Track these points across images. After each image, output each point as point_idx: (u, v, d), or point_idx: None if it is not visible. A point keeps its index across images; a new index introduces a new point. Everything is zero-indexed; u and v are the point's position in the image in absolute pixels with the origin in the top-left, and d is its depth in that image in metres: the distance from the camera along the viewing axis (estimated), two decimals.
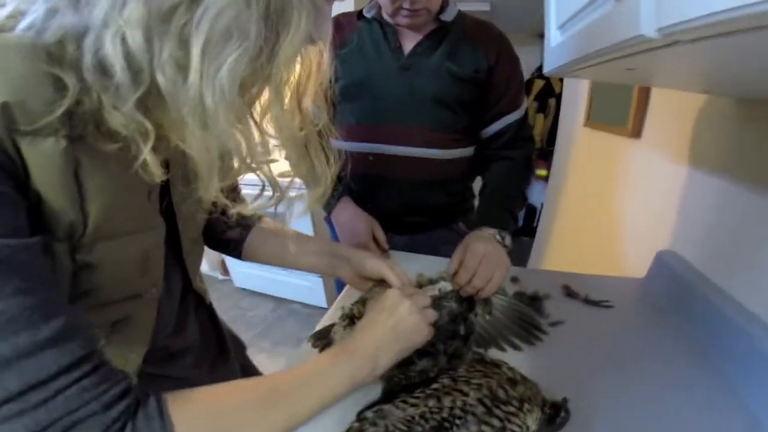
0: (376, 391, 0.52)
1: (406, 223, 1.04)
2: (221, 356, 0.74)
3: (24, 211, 0.32)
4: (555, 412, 0.43)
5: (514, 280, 0.84)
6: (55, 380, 0.30)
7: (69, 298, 0.37)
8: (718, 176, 0.73)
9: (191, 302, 0.64)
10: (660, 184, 0.96)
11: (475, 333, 0.60)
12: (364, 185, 1.01)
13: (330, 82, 0.51)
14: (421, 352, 0.53)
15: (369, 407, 0.46)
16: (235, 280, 2.73)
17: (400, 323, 0.51)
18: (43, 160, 0.32)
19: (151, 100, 0.34)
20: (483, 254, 0.71)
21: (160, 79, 0.32)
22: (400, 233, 1.05)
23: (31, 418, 0.29)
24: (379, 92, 0.91)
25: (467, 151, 1.00)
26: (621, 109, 1.17)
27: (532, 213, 3.41)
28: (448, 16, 0.90)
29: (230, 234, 0.72)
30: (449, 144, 0.96)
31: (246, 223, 0.73)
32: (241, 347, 0.90)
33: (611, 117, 1.28)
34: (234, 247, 0.72)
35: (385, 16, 0.90)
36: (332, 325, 0.62)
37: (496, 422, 0.36)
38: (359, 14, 0.95)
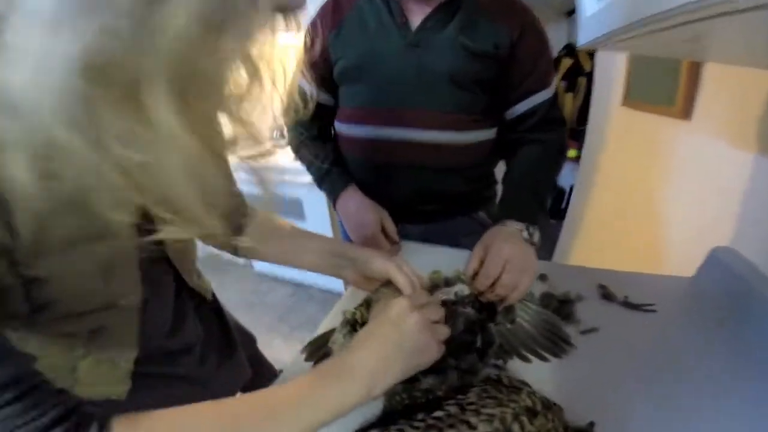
0: (375, 405, 0.46)
1: (420, 212, 0.95)
2: (228, 351, 0.71)
3: None
4: None
5: (543, 278, 0.74)
6: None
7: (29, 312, 0.35)
8: None
9: (188, 301, 0.61)
10: (713, 172, 0.85)
11: (495, 345, 0.52)
12: (371, 173, 0.92)
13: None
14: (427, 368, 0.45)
15: (364, 430, 0.40)
16: (255, 265, 2.74)
17: (405, 340, 0.43)
18: None
19: None
20: (507, 257, 0.61)
21: None
22: (414, 222, 0.96)
23: None
24: (385, 73, 0.81)
25: (488, 134, 0.89)
26: (667, 87, 1.05)
27: (560, 195, 3.24)
28: None
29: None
30: (467, 126, 0.85)
31: (244, 217, 0.66)
32: (250, 340, 0.87)
33: (655, 95, 1.16)
34: (229, 243, 0.66)
35: None
36: (331, 332, 0.55)
37: None
38: None
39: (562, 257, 2.00)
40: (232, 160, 0.40)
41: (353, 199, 0.89)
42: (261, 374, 0.88)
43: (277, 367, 0.96)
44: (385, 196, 0.89)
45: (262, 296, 2.48)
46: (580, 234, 1.83)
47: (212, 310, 0.70)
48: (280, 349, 1.99)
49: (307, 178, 2.34)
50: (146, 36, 0.24)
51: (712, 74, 0.89)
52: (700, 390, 0.49)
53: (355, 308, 0.55)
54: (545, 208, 0.79)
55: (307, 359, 0.54)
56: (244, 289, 2.51)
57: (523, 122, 0.85)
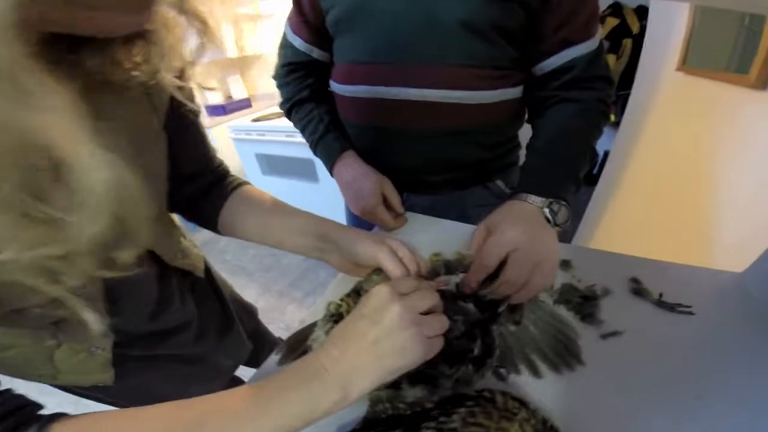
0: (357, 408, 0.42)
1: (428, 182, 0.84)
2: (226, 327, 0.71)
3: None
4: None
5: (566, 265, 0.66)
6: None
7: None
8: None
9: (175, 281, 0.59)
10: None
11: (495, 355, 0.45)
12: (371, 139, 0.82)
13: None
14: (414, 376, 0.40)
15: None
16: None
17: (383, 338, 0.36)
18: None
19: None
20: (515, 244, 0.50)
21: None
22: (420, 193, 0.86)
23: None
24: (384, 21, 0.67)
25: (513, 92, 0.74)
26: (738, 52, 0.93)
27: (594, 160, 3.04)
28: None
29: (203, 203, 0.61)
30: (486, 83, 0.70)
31: (222, 191, 0.62)
32: (250, 314, 0.87)
33: (719, 61, 1.03)
34: (208, 219, 0.62)
35: None
36: (312, 327, 0.50)
37: None
38: None
39: (588, 234, 1.88)
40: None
41: (351, 166, 0.79)
42: (263, 347, 0.88)
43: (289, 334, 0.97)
44: (388, 165, 0.79)
45: (279, 259, 2.53)
46: (612, 209, 1.69)
47: (207, 286, 0.69)
48: (293, 315, 2.04)
49: None
50: None
51: None
52: (738, 411, 0.42)
53: (341, 299, 0.49)
54: (577, 181, 0.65)
55: (280, 362, 0.47)
56: (261, 252, 2.58)
57: (557, 79, 0.70)
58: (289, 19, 0.82)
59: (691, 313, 0.57)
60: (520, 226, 0.53)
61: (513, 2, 0.63)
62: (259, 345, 0.84)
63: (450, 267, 0.57)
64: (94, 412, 0.34)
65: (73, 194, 0.26)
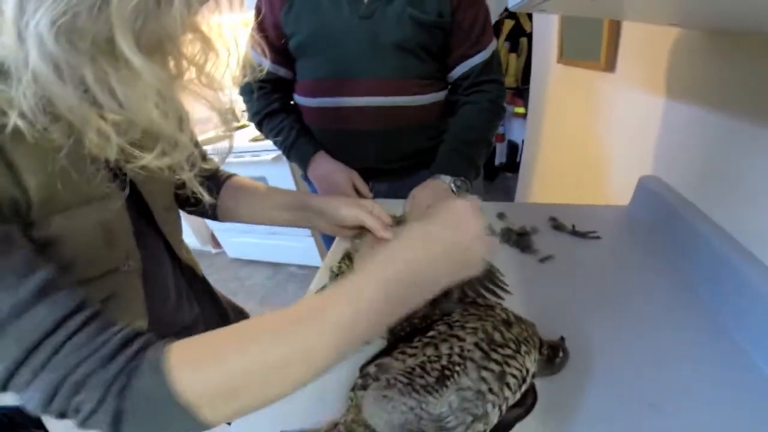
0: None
1: (386, 170, 1.01)
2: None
3: None
4: (553, 353, 0.44)
5: (501, 216, 0.83)
6: (50, 337, 0.29)
7: None
8: (692, 104, 0.74)
9: (181, 275, 0.64)
10: (637, 115, 0.97)
11: None
12: (334, 140, 0.97)
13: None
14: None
15: (371, 361, 0.47)
16: (228, 252, 2.73)
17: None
18: None
19: None
20: (429, 203, 0.69)
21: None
22: (381, 181, 1.03)
23: (43, 380, 0.29)
24: (339, 45, 0.85)
25: (439, 96, 0.96)
26: (593, 45, 1.16)
27: (515, 149, 3.42)
28: None
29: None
30: (419, 90, 0.91)
31: (216, 182, 0.70)
32: (244, 316, 0.91)
33: (584, 52, 1.27)
34: (207, 210, 0.70)
35: None
36: (323, 289, 0.60)
37: (494, 366, 0.36)
38: None
39: (520, 199, 2.17)
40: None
41: (323, 164, 0.93)
42: None
43: None
44: (352, 160, 0.94)
45: (242, 281, 2.50)
46: (533, 180, 1.97)
47: (203, 287, 0.72)
48: None
49: (269, 155, 2.31)
50: (103, 3, 0.29)
51: (630, 32, 1.01)
52: (641, 304, 0.59)
53: (339, 262, 0.60)
54: (475, 163, 0.88)
55: None
56: (223, 277, 2.53)
57: (460, 85, 0.94)
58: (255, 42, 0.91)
59: (598, 237, 0.75)
60: (434, 192, 0.75)
61: (434, 27, 0.85)
62: None
63: (399, 220, 0.71)
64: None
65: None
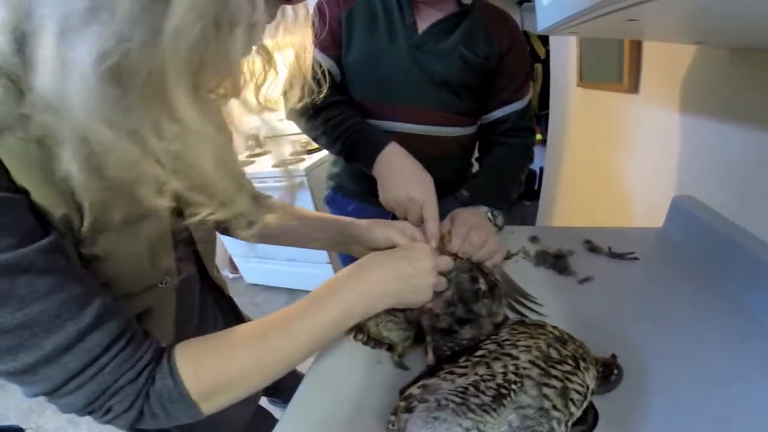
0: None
1: None
2: None
3: (28, 212, 0.32)
4: (607, 371, 0.42)
5: (534, 239, 0.82)
6: (101, 357, 0.34)
7: None
8: (720, 122, 0.73)
9: (209, 294, 0.64)
10: (663, 135, 0.96)
11: (498, 286, 0.58)
12: None
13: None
14: (462, 320, 0.51)
15: (412, 383, 0.45)
16: (245, 277, 2.74)
17: (414, 278, 0.51)
18: (13, 155, 0.31)
19: None
20: (472, 223, 0.68)
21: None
22: None
23: (88, 389, 0.34)
24: (388, 70, 0.86)
25: (469, 130, 0.98)
26: (614, 66, 1.16)
27: (532, 177, 3.41)
28: None
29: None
30: (454, 122, 0.93)
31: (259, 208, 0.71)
32: None
33: (605, 75, 1.27)
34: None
35: None
36: None
37: (556, 383, 0.35)
38: None
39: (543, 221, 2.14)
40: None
41: (401, 152, 0.80)
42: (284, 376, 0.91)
43: None
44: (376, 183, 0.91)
45: (261, 307, 2.48)
46: (556, 206, 1.95)
47: (232, 308, 0.73)
48: None
49: (294, 180, 2.30)
50: (153, 37, 0.26)
51: (651, 52, 1.01)
52: (688, 321, 0.57)
53: None
54: (509, 201, 0.87)
55: (346, 334, 0.58)
56: (241, 302, 2.50)
57: (497, 128, 0.95)
58: (318, 40, 0.86)
59: (636, 258, 0.73)
60: (476, 216, 0.73)
61: (480, 70, 0.87)
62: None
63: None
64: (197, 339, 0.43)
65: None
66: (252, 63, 0.44)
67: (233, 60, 0.33)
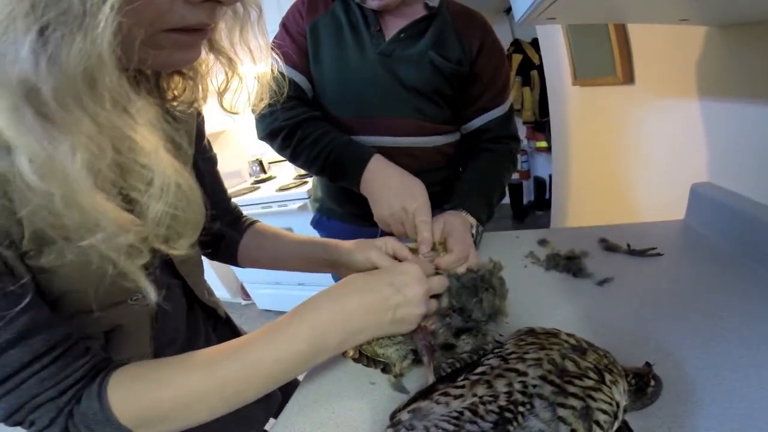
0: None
1: None
2: None
3: None
4: (642, 382, 0.34)
5: (543, 242, 0.75)
6: (21, 372, 0.33)
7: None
8: (722, 100, 0.68)
9: (201, 317, 0.61)
10: (668, 122, 0.90)
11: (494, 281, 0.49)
12: None
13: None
14: (461, 330, 0.44)
15: (404, 407, 0.38)
16: (257, 303, 2.76)
17: (401, 308, 0.44)
18: None
19: None
20: (470, 243, 0.64)
21: None
22: None
23: (7, 402, 0.34)
24: (358, 80, 0.82)
25: (451, 137, 0.92)
26: (606, 60, 1.12)
27: (542, 186, 3.33)
28: (433, 1, 0.81)
29: (224, 241, 0.68)
30: (432, 132, 0.87)
31: (239, 228, 0.69)
32: None
33: (598, 70, 1.23)
34: (229, 254, 0.68)
35: None
36: None
37: (575, 402, 0.27)
38: None
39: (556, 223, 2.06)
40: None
41: (386, 164, 0.76)
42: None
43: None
44: (363, 198, 0.83)
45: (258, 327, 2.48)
46: (568, 215, 1.87)
47: (229, 329, 0.70)
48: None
49: (295, 204, 2.33)
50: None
51: (639, 40, 0.97)
52: (726, 316, 0.49)
53: None
54: (492, 209, 0.82)
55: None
56: (254, 328, 2.48)
57: (478, 136, 0.90)
58: (286, 56, 0.82)
59: (659, 254, 0.65)
60: (468, 234, 0.68)
61: (452, 75, 0.82)
62: (289, 394, 0.80)
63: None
64: (139, 363, 0.40)
65: (147, 188, 0.31)
66: (206, 66, 0.42)
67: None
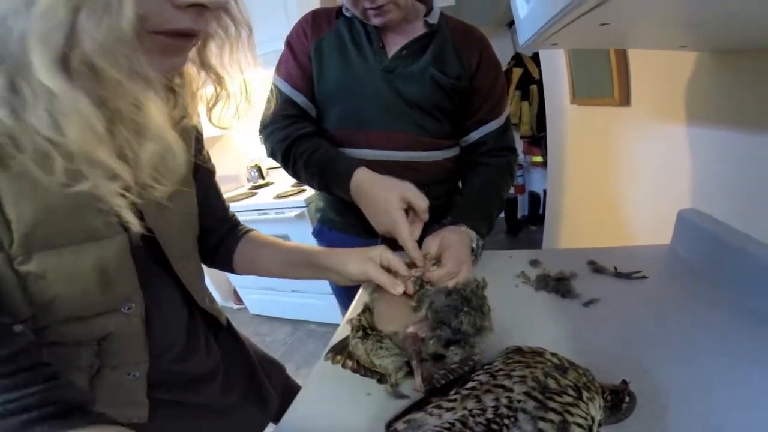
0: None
1: None
2: (252, 378, 0.71)
3: None
4: (617, 398, 0.38)
5: (534, 263, 0.78)
6: None
7: (32, 314, 0.38)
8: (715, 128, 0.71)
9: (201, 324, 0.62)
10: (659, 146, 0.93)
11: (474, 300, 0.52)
12: None
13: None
14: (450, 341, 0.47)
15: (398, 417, 0.41)
16: (249, 308, 2.75)
17: None
18: None
19: None
20: (464, 259, 0.68)
21: None
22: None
23: None
24: (362, 96, 0.86)
25: (450, 152, 0.95)
26: (604, 81, 1.16)
27: (536, 201, 3.37)
28: (433, 18, 0.86)
29: (221, 249, 0.70)
30: (432, 146, 0.91)
31: (234, 236, 0.71)
32: (278, 368, 0.86)
33: (596, 90, 1.27)
34: (225, 262, 0.70)
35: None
36: (346, 339, 0.56)
37: (553, 416, 0.30)
38: (338, 11, 0.89)
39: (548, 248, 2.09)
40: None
41: (366, 180, 0.76)
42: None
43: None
44: (362, 213, 0.86)
45: (263, 338, 2.47)
46: (561, 228, 1.91)
47: (230, 337, 0.71)
48: None
49: (292, 212, 2.34)
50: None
51: (638, 63, 1.01)
52: (703, 340, 0.52)
53: (359, 315, 0.56)
54: (492, 222, 0.85)
55: (333, 362, 0.54)
56: (245, 333, 2.47)
57: (477, 149, 0.93)
58: (289, 76, 0.88)
59: (644, 277, 0.69)
60: (465, 249, 0.72)
61: (452, 90, 0.86)
62: (289, 401, 0.82)
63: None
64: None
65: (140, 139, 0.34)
66: (196, 84, 0.44)
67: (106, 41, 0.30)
